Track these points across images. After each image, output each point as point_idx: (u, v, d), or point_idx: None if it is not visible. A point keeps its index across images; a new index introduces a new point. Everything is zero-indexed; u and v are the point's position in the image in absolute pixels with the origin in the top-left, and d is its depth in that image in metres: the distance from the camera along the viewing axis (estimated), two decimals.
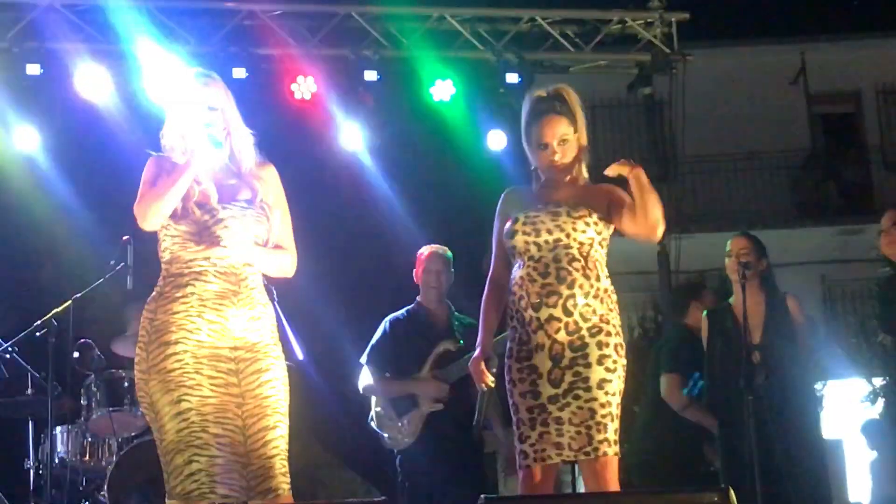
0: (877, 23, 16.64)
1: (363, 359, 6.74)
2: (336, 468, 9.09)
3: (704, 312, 6.90)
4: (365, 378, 6.73)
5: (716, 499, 3.94)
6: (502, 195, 5.07)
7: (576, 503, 4.22)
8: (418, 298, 6.80)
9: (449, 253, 6.78)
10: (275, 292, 6.24)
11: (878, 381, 12.06)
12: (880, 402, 11.73)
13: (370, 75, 8.84)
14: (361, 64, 8.85)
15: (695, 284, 7.79)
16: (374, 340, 6.75)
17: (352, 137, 9.03)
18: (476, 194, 5.17)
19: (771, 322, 6.55)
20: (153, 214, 4.43)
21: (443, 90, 8.94)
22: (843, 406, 13.62)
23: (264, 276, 4.83)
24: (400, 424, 6.55)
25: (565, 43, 9.22)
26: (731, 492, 3.95)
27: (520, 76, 8.96)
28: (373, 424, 6.70)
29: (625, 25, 9.34)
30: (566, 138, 4.89)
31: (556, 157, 4.88)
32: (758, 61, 17.09)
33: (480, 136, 8.95)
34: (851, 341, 13.06)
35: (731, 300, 6.69)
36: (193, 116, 4.57)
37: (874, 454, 11.17)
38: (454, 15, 9.07)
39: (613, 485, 4.71)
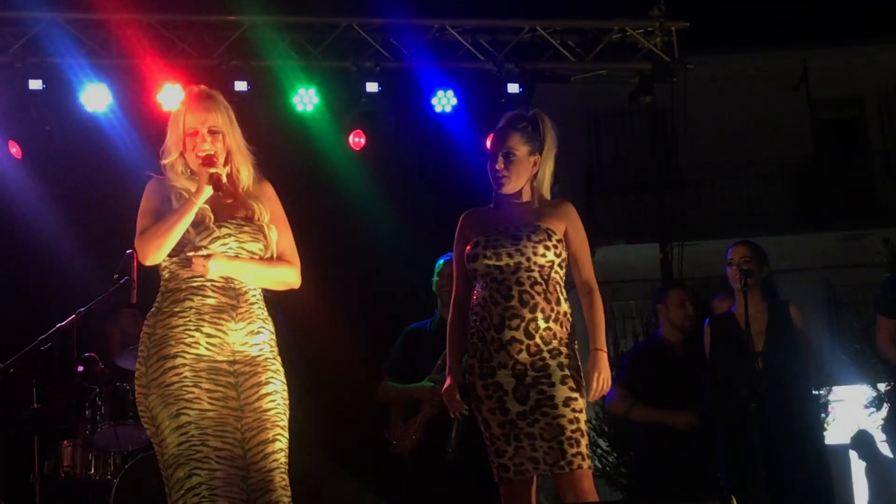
0: (878, 29, 16.64)
1: (383, 367, 6.80)
2: (340, 478, 9.08)
3: (707, 320, 6.91)
4: (380, 386, 6.76)
5: None
6: (461, 217, 5.11)
7: None
8: (437, 309, 6.82)
9: None
10: (279, 308, 6.30)
11: (883, 387, 12.06)
12: (885, 407, 11.73)
13: (371, 87, 8.85)
14: (363, 75, 8.87)
15: (661, 289, 7.77)
16: (392, 348, 6.80)
17: (353, 149, 9.04)
18: (479, 205, 5.17)
19: (773, 329, 6.55)
20: (154, 253, 4.48)
21: (444, 101, 8.96)
22: (849, 412, 13.64)
23: (267, 290, 4.85)
24: (402, 429, 6.57)
25: (566, 53, 9.23)
26: (734, 500, 3.96)
27: (521, 86, 8.98)
28: (388, 432, 6.72)
29: (625, 35, 9.34)
30: (514, 152, 4.93)
31: (499, 167, 4.93)
32: (759, 68, 17.10)
33: (482, 147, 8.96)
34: (856, 347, 13.05)
35: (734, 308, 6.70)
36: (196, 140, 4.60)
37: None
38: (455, 26, 9.09)
39: (592, 496, 4.78)
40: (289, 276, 4.72)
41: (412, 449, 6.54)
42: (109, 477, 7.51)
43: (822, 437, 6.98)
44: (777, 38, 16.97)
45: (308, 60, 8.88)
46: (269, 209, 4.71)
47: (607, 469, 12.17)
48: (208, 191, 4.51)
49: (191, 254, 4.47)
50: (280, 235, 4.71)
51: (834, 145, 18.01)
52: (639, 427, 7.15)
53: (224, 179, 4.56)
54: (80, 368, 7.62)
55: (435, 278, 6.79)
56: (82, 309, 7.28)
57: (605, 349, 4.91)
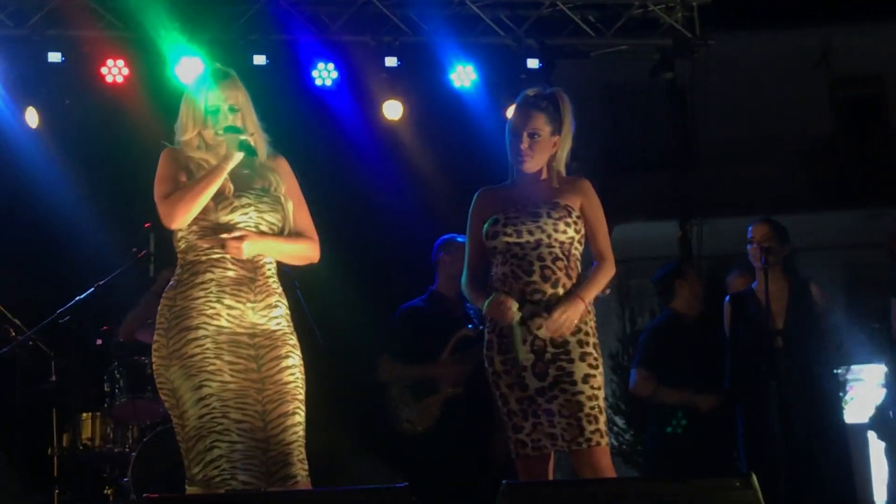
0: None
1: (382, 347, 6.76)
2: (356, 454, 9.09)
3: (727, 298, 6.89)
4: (384, 366, 6.74)
5: (738, 484, 3.93)
6: (477, 194, 5.11)
7: (597, 488, 4.21)
8: (433, 287, 6.81)
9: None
10: (296, 283, 6.31)
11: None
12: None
13: (390, 61, 8.82)
14: (382, 50, 8.83)
15: (679, 265, 7.76)
16: (391, 329, 6.76)
17: (372, 123, 9.03)
18: (497, 181, 5.16)
19: (794, 307, 6.54)
20: (182, 215, 4.49)
21: (463, 76, 8.92)
22: (868, 391, 13.59)
23: (286, 265, 4.87)
24: (418, 410, 6.55)
25: (586, 28, 9.16)
26: (754, 477, 3.94)
27: (541, 62, 8.93)
28: (390, 411, 6.70)
29: (646, 10, 9.26)
30: (539, 133, 4.94)
31: (523, 147, 4.94)
32: (780, 45, 16.99)
33: (501, 123, 8.92)
34: (874, 326, 13.00)
35: (754, 286, 6.68)
36: (218, 117, 4.62)
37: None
38: (474, 0, 9.04)
39: (610, 472, 4.80)
40: (310, 252, 4.76)
41: (428, 427, 6.53)
42: (127, 450, 7.53)
43: (842, 416, 6.96)
44: (798, 15, 16.86)
45: (327, 35, 8.84)
46: (286, 183, 4.73)
47: (623, 447, 12.17)
48: (238, 156, 4.54)
49: (224, 235, 4.48)
50: (297, 211, 4.74)
51: (854, 123, 17.92)
52: (656, 406, 7.15)
53: (253, 144, 4.59)
54: (99, 342, 7.65)
55: (441, 254, 6.78)
56: (101, 282, 7.29)
57: (587, 303, 4.84)
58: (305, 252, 4.74)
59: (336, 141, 9.22)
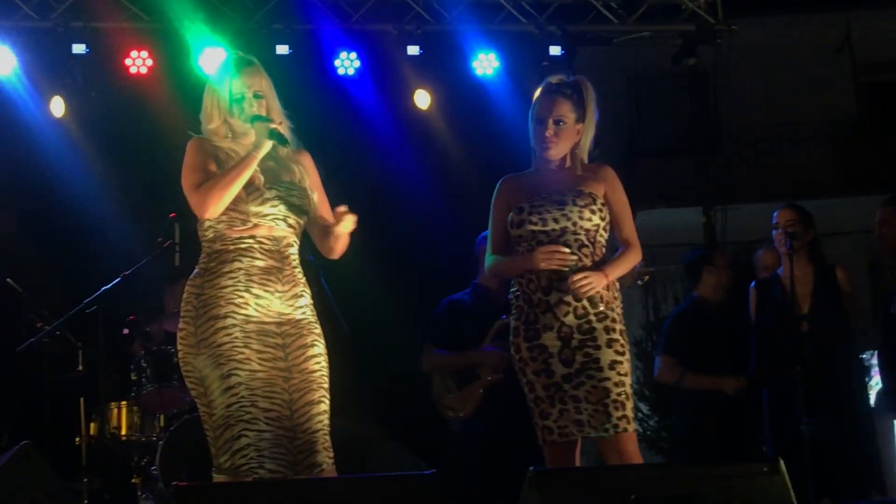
0: None
1: (423, 337, 6.77)
2: (383, 441, 9.13)
3: (752, 283, 6.88)
4: (427, 357, 6.74)
5: (766, 469, 3.93)
6: (500, 182, 5.10)
7: (624, 474, 4.21)
8: (476, 280, 6.80)
9: None
10: (321, 272, 6.33)
11: None
12: None
13: (413, 50, 8.82)
14: (404, 38, 8.84)
15: (707, 251, 7.74)
16: (434, 321, 6.77)
17: (395, 112, 9.03)
18: (521, 169, 5.16)
19: (819, 292, 6.53)
20: (215, 204, 4.50)
21: (486, 64, 8.91)
22: None
23: (311, 254, 4.89)
24: (459, 396, 6.56)
25: (608, 14, 9.14)
26: (782, 462, 3.95)
27: (563, 49, 8.92)
28: (433, 400, 6.71)
29: None
30: (564, 120, 4.93)
31: (549, 134, 4.93)
32: (802, 30, 16.92)
33: (524, 110, 8.91)
34: None
35: (780, 271, 6.68)
36: (243, 105, 4.63)
37: None
38: None
39: (637, 458, 4.79)
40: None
41: (470, 414, 6.54)
42: (155, 438, 7.57)
43: (868, 400, 6.94)
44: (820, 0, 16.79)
45: (349, 24, 8.85)
46: (310, 176, 4.78)
47: (648, 433, 12.18)
48: (269, 145, 4.56)
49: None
50: (322, 203, 4.77)
51: (877, 107, 17.83)
52: (681, 393, 7.14)
53: (283, 132, 4.60)
54: (126, 331, 7.68)
55: (482, 247, 6.76)
56: (128, 272, 7.32)
57: (609, 279, 4.83)
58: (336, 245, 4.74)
59: (358, 130, 9.23)
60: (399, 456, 9.12)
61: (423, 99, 8.86)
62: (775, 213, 6.65)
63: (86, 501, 7.38)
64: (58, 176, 8.80)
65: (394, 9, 8.92)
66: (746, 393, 6.87)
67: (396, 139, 9.24)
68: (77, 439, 7.60)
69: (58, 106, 8.55)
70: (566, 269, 4.79)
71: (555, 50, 8.90)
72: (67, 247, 8.99)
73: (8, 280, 7.48)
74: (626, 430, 4.75)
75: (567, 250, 4.79)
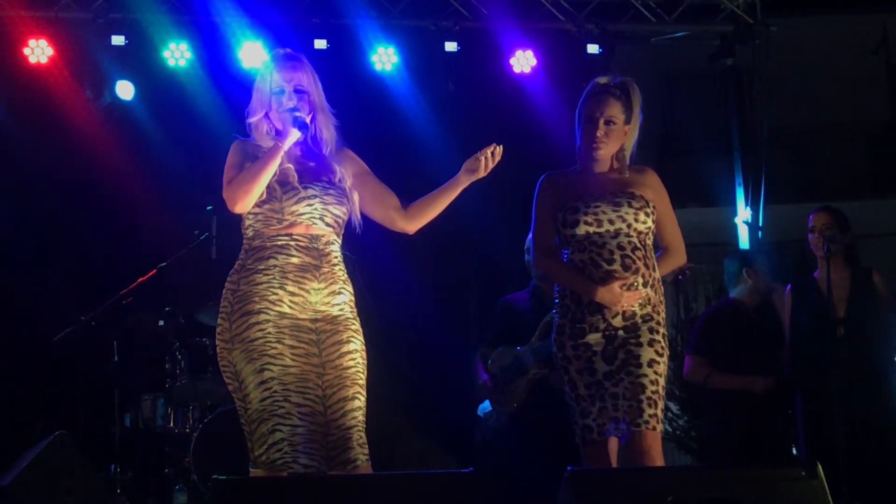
0: None
1: (481, 344, 6.81)
2: (412, 437, 9.14)
3: (788, 287, 6.86)
4: (482, 357, 6.77)
5: (804, 474, 3.92)
6: (544, 179, 5.09)
7: (657, 476, 4.21)
8: (532, 280, 6.81)
9: None
10: (357, 267, 6.34)
11: None
12: None
13: (450, 46, 8.82)
14: (442, 35, 8.83)
15: (750, 254, 7.71)
16: (490, 320, 6.83)
17: (432, 109, 9.03)
18: (557, 167, 5.15)
19: (856, 296, 6.50)
20: (243, 199, 4.52)
21: (523, 61, 8.90)
22: None
23: (347, 249, 4.90)
24: (508, 391, 6.57)
25: (647, 13, 9.11)
26: (820, 467, 3.93)
27: (601, 47, 8.90)
28: (483, 396, 6.73)
29: None
30: (614, 121, 4.95)
31: (599, 134, 4.94)
32: (838, 31, 16.82)
33: (561, 108, 8.90)
34: None
35: (816, 274, 6.65)
36: (282, 99, 4.65)
37: None
38: None
39: (659, 459, 4.78)
40: None
41: (516, 407, 6.55)
42: (188, 430, 7.61)
43: None
44: (858, 1, 16.69)
45: (387, 19, 8.85)
46: (351, 172, 4.76)
47: (677, 433, 12.13)
48: (295, 133, 4.57)
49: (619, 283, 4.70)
50: (374, 186, 4.88)
51: None
52: (712, 393, 7.11)
53: (308, 122, 4.62)
54: (161, 323, 7.72)
55: (527, 257, 6.78)
56: (163, 264, 7.35)
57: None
58: None
59: (396, 126, 9.23)
60: (427, 451, 9.13)
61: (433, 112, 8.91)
62: (811, 216, 6.62)
63: (119, 491, 7.43)
64: (95, 167, 8.83)
65: (432, 4, 8.92)
66: (776, 394, 6.84)
67: (433, 135, 9.22)
68: (111, 429, 7.65)
69: (126, 88, 8.59)
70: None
71: (592, 48, 8.88)
72: (105, 239, 9.03)
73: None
74: (654, 428, 4.76)
75: (640, 289, 4.81)
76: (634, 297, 4.81)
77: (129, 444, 7.66)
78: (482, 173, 4.67)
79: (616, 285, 4.79)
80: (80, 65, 8.68)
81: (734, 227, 9.74)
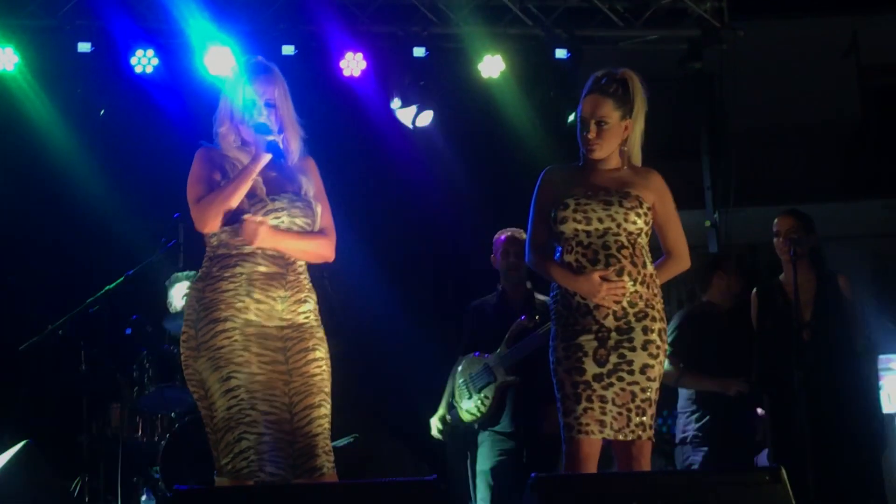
0: None
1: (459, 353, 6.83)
2: (383, 442, 9.13)
3: (754, 290, 6.87)
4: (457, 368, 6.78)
5: (767, 478, 3.93)
6: (544, 173, 5.04)
7: (623, 482, 4.21)
8: (499, 285, 6.81)
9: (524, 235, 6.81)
10: (325, 274, 6.33)
11: None
12: None
13: (419, 51, 8.81)
14: (410, 40, 8.82)
15: (720, 257, 7.74)
16: (463, 332, 6.84)
17: (401, 115, 9.01)
18: (528, 172, 5.15)
19: (821, 299, 6.51)
20: (214, 220, 4.52)
21: (492, 66, 8.90)
22: None
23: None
24: (477, 399, 6.57)
25: (615, 18, 9.12)
26: (783, 471, 3.94)
27: (569, 52, 8.90)
28: (453, 404, 6.74)
29: (675, 0, 9.23)
30: (606, 120, 4.87)
31: (591, 136, 4.87)
32: (808, 34, 16.88)
33: (529, 113, 8.91)
34: None
35: (781, 277, 6.66)
36: (252, 111, 4.63)
37: None
38: None
39: (646, 468, 4.78)
40: (325, 250, 4.76)
41: (486, 415, 6.56)
42: (157, 439, 7.58)
43: (872, 408, 6.91)
44: (827, 3, 16.75)
45: (356, 25, 8.83)
46: (314, 184, 4.76)
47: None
48: (266, 157, 4.56)
49: (245, 216, 4.48)
50: (324, 211, 4.76)
51: (884, 112, 17.78)
52: (684, 394, 7.13)
53: (281, 146, 4.60)
54: (128, 331, 7.69)
55: (498, 253, 6.77)
56: (130, 272, 7.32)
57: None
58: (320, 250, 4.74)
59: (364, 131, 9.22)
60: (400, 455, 9.12)
61: (402, 117, 8.89)
62: (776, 221, 6.63)
63: (87, 500, 7.39)
64: (61, 174, 8.79)
65: (400, 10, 8.91)
66: (749, 397, 6.86)
67: (402, 141, 9.22)
68: (79, 438, 7.61)
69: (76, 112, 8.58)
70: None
71: (560, 53, 8.88)
72: (72, 246, 8.98)
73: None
74: (640, 437, 4.74)
75: (628, 286, 4.76)
76: (617, 291, 4.75)
77: (96, 453, 7.61)
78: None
79: (595, 275, 4.73)
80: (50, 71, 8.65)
81: (704, 230, 9.76)
